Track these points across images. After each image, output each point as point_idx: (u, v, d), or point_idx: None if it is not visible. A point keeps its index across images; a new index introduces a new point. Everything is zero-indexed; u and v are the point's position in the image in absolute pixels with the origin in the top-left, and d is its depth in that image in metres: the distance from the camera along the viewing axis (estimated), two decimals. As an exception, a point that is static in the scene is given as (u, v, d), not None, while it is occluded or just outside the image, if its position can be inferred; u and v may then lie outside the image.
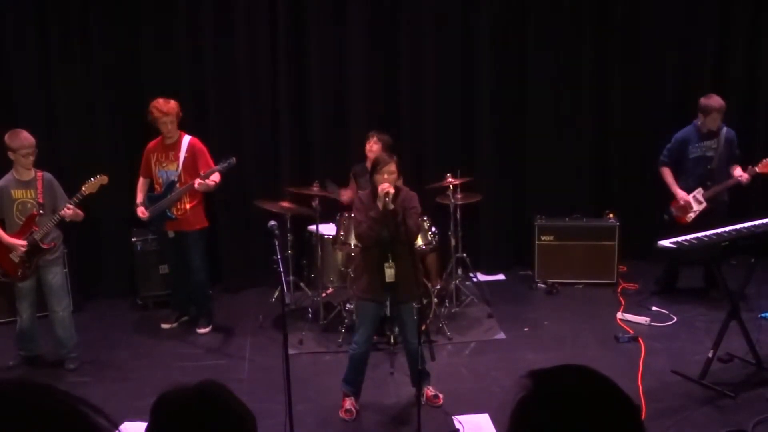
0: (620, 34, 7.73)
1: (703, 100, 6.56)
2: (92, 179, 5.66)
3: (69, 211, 5.54)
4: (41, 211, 5.58)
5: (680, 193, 6.67)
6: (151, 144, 6.39)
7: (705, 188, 6.59)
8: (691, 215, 6.62)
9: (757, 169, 6.44)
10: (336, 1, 7.39)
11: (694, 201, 6.62)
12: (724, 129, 6.60)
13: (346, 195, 6.60)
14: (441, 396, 5.14)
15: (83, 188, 5.62)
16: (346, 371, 5.06)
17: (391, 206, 4.66)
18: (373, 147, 6.32)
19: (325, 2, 7.39)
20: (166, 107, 6.13)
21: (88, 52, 7.14)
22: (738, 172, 6.56)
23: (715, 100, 6.51)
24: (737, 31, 7.77)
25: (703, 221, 6.27)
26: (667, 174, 6.76)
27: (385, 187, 4.70)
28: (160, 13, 7.21)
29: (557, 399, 1.34)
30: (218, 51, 7.29)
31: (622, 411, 1.35)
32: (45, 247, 5.62)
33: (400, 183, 5.00)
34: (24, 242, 5.55)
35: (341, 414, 5.00)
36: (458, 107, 7.70)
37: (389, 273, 4.72)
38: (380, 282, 4.77)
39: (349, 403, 5.03)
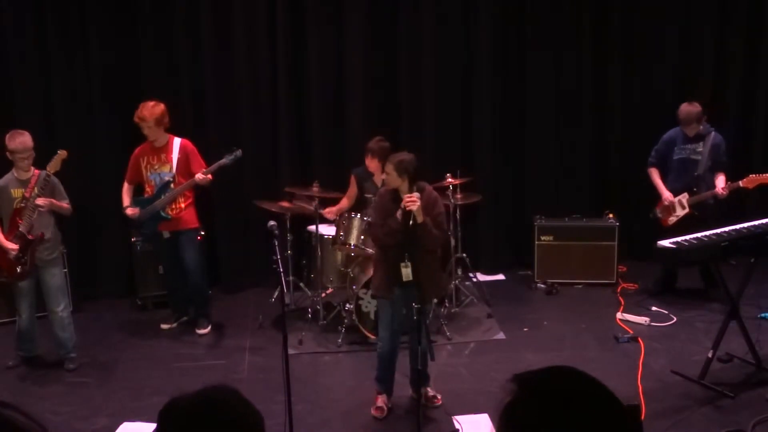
0: (620, 35, 7.73)
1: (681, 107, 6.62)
2: (53, 158, 5.59)
3: (41, 201, 5.50)
4: (22, 204, 5.52)
5: (666, 194, 6.66)
6: (138, 149, 6.33)
7: (691, 194, 6.57)
8: (673, 219, 6.61)
9: (740, 184, 6.35)
10: (335, 1, 7.39)
11: (679, 205, 6.60)
12: (712, 134, 6.56)
13: (331, 213, 6.44)
14: (439, 396, 5.13)
15: (47, 168, 5.57)
16: (377, 369, 5.03)
17: (419, 219, 4.56)
18: (372, 164, 6.18)
19: (324, 2, 7.38)
20: (143, 112, 6.08)
21: (87, 52, 7.13)
22: (721, 182, 6.47)
23: (681, 109, 6.54)
24: (737, 31, 7.77)
25: (693, 225, 6.20)
26: (655, 174, 6.79)
27: (408, 203, 4.52)
28: (159, 14, 7.20)
29: (542, 402, 1.32)
30: (217, 51, 7.28)
31: (608, 412, 1.34)
32: (31, 238, 5.55)
33: (423, 183, 4.85)
34: (15, 246, 5.51)
35: (372, 411, 4.98)
36: (458, 107, 7.70)
37: (405, 273, 4.59)
38: (394, 280, 4.69)
39: (381, 401, 5.01)
